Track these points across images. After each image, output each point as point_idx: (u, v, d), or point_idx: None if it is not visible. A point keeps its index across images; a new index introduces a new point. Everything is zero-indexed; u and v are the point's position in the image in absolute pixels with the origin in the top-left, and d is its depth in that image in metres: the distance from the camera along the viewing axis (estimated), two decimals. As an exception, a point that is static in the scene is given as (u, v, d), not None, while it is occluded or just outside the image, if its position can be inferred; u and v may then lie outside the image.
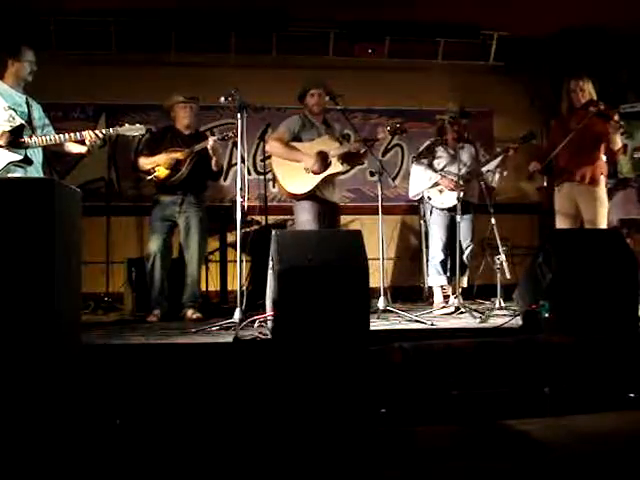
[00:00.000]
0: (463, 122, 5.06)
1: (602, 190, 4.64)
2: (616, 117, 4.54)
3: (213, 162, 4.64)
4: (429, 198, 5.04)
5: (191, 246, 4.66)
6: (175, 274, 4.71)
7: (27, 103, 4.03)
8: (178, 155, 4.59)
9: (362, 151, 4.61)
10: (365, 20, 6.08)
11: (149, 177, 4.61)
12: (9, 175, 3.79)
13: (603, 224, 4.58)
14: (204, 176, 4.76)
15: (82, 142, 4.04)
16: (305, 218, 4.48)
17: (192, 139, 4.73)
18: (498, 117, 6.73)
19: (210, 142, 4.56)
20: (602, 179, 4.65)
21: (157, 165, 4.58)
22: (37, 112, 4.10)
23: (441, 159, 5.08)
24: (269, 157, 4.75)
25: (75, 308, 3.18)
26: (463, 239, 4.96)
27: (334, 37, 6.25)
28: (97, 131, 4.04)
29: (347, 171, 4.66)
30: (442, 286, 5.07)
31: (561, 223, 4.73)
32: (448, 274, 4.97)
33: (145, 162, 4.66)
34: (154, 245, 4.63)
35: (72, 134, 3.99)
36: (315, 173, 4.45)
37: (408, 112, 6.54)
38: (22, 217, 2.67)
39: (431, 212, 5.06)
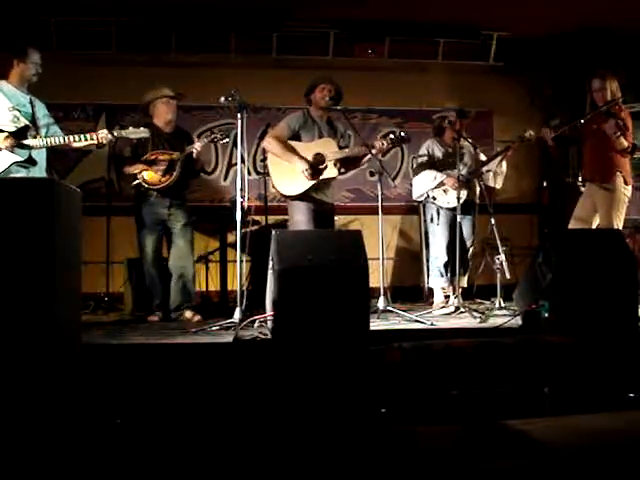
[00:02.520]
0: (463, 121, 5.05)
1: (617, 188, 4.52)
2: (622, 115, 4.51)
3: (197, 164, 4.64)
4: (434, 198, 5.01)
5: (183, 246, 4.65)
6: (170, 274, 4.70)
7: (31, 103, 4.04)
8: (167, 158, 4.55)
9: (362, 155, 4.56)
10: (365, 20, 6.08)
11: (135, 182, 4.57)
12: (12, 175, 3.79)
13: (615, 223, 4.48)
14: (188, 176, 4.76)
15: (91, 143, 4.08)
16: (299, 218, 4.42)
17: (175, 138, 4.70)
18: (498, 117, 6.73)
19: (198, 147, 4.53)
20: (617, 178, 4.53)
21: (144, 169, 4.55)
22: (41, 111, 4.11)
23: (442, 159, 5.07)
24: (267, 158, 4.73)
25: (75, 308, 3.18)
26: (467, 238, 5.00)
27: (334, 37, 6.25)
28: (104, 132, 4.06)
29: (342, 174, 4.61)
30: (442, 287, 5.06)
31: (574, 223, 4.69)
32: (449, 275, 4.96)
33: (130, 169, 4.61)
34: (151, 248, 4.63)
35: (82, 135, 4.01)
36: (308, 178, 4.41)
37: (408, 112, 6.55)
38: (22, 217, 2.67)
39: (437, 213, 5.02)
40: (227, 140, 4.69)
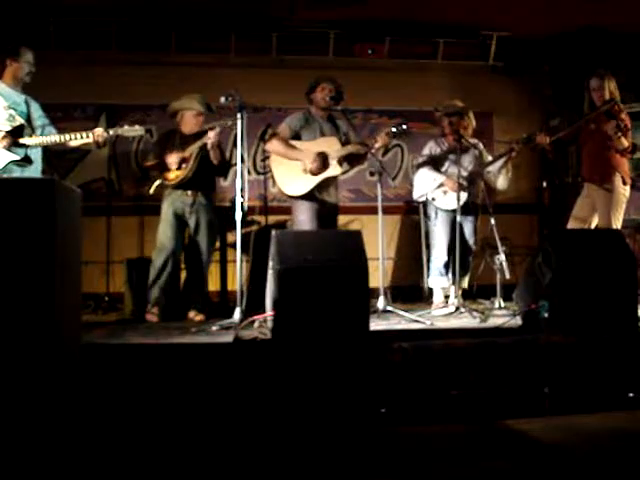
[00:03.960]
0: (464, 122, 5.02)
1: (616, 189, 4.52)
2: (622, 116, 4.51)
3: (212, 155, 4.63)
4: (433, 199, 4.99)
5: (200, 247, 4.65)
6: (175, 274, 4.70)
7: (26, 103, 4.04)
8: (181, 154, 4.58)
9: (363, 152, 4.57)
10: (365, 20, 6.08)
11: (158, 182, 4.61)
12: (8, 174, 3.80)
13: (614, 223, 4.48)
14: (211, 173, 4.75)
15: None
16: (302, 217, 4.44)
17: (195, 138, 4.69)
18: (498, 117, 6.72)
19: (211, 136, 4.51)
20: (616, 178, 4.52)
21: (163, 166, 4.59)
22: (37, 112, 4.11)
23: (443, 159, 5.05)
24: (268, 157, 4.73)
25: (75, 308, 3.18)
26: (468, 240, 4.98)
27: (334, 37, 6.25)
28: (100, 130, 4.06)
29: (346, 171, 4.62)
30: (443, 287, 5.05)
31: (573, 223, 4.70)
32: (450, 275, 4.96)
33: (152, 163, 4.67)
34: (169, 241, 4.60)
35: (77, 133, 4.00)
36: (313, 173, 4.41)
37: (408, 112, 6.54)
38: (22, 217, 2.67)
39: (436, 213, 5.00)
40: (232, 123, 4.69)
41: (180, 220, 4.65)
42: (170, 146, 4.66)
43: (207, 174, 4.70)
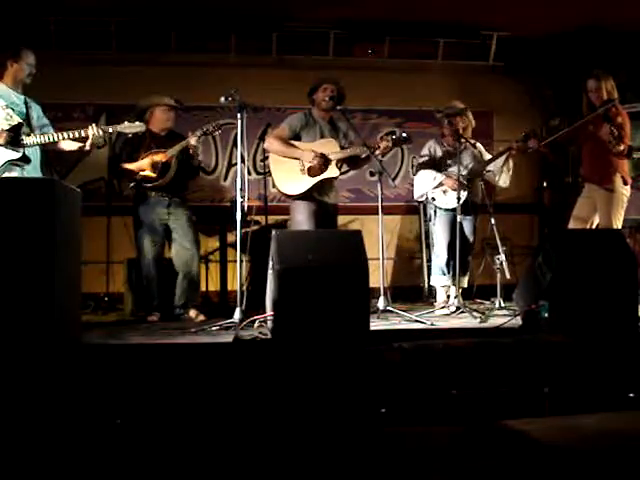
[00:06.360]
0: (464, 122, 5.02)
1: (616, 189, 4.52)
2: (619, 120, 4.50)
3: (195, 161, 4.62)
4: (433, 199, 4.99)
5: (187, 246, 4.63)
6: (170, 275, 4.69)
7: (25, 103, 4.04)
8: (161, 157, 4.53)
9: (363, 156, 4.57)
10: (365, 20, 6.08)
11: (133, 183, 4.57)
12: (7, 174, 3.79)
13: (615, 223, 4.48)
14: (186, 175, 4.75)
15: (80, 139, 4.04)
16: (300, 218, 4.44)
17: (168, 139, 4.66)
18: (498, 117, 6.72)
19: (192, 141, 4.51)
20: (616, 178, 4.52)
21: (142, 170, 4.54)
22: (36, 112, 4.10)
23: (443, 159, 5.05)
24: (268, 157, 4.74)
25: (75, 308, 3.19)
26: (468, 239, 4.98)
27: (334, 37, 6.25)
28: (96, 128, 4.04)
29: (346, 172, 4.61)
30: (444, 285, 5.06)
31: (573, 223, 4.70)
32: (451, 274, 4.96)
33: (130, 167, 4.59)
34: (149, 249, 4.62)
35: (71, 132, 3.99)
36: (312, 172, 4.40)
37: (408, 112, 6.55)
38: (22, 217, 2.67)
39: (435, 213, 5.01)
40: (219, 132, 4.67)
41: (160, 225, 4.63)
42: (142, 146, 4.60)
43: (182, 177, 4.68)
